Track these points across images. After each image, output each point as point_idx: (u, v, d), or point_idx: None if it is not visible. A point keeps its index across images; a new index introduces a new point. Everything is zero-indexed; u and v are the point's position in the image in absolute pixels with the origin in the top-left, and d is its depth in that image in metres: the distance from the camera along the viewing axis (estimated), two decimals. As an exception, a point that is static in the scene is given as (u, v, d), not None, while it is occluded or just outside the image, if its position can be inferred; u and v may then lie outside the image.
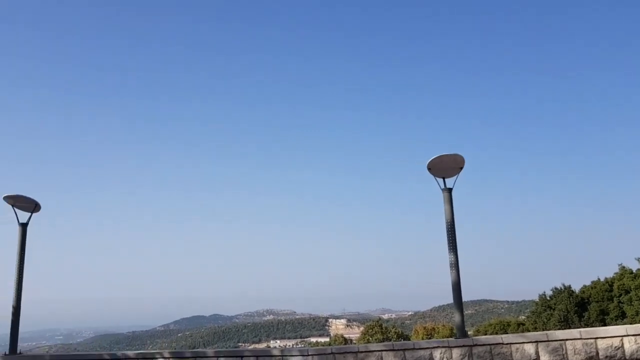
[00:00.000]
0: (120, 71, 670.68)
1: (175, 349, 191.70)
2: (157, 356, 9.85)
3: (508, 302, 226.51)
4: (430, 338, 51.26)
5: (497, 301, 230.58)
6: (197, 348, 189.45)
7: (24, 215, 11.22)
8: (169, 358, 9.93)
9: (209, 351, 9.74)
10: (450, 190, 10.37)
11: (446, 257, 10.09)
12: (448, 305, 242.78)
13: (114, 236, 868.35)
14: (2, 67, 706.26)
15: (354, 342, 69.08)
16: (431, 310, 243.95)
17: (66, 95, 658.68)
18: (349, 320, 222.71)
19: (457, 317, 10.05)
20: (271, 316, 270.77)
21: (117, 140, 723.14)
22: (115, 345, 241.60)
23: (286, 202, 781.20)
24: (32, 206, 11.06)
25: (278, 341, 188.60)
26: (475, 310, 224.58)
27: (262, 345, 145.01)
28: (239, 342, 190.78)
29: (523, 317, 78.34)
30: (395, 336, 62.74)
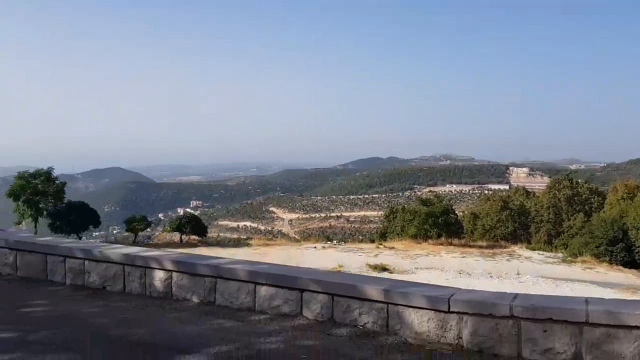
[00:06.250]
0: None
1: (348, 188, 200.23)
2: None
3: None
4: (632, 198, 44.09)
5: None
6: (374, 187, 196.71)
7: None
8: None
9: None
10: None
11: None
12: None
13: (302, 80, 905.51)
14: None
15: (537, 194, 63.19)
16: (627, 162, 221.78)
17: None
18: (531, 169, 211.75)
19: None
20: (448, 161, 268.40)
21: None
22: (300, 179, 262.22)
23: (471, 46, 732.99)
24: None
25: (454, 185, 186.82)
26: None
27: (437, 189, 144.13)
28: (414, 184, 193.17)
29: None
30: (587, 192, 55.77)
